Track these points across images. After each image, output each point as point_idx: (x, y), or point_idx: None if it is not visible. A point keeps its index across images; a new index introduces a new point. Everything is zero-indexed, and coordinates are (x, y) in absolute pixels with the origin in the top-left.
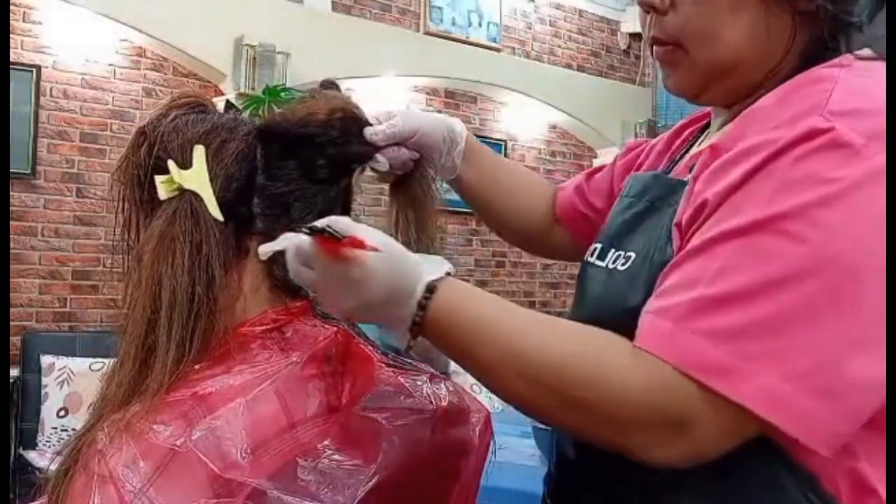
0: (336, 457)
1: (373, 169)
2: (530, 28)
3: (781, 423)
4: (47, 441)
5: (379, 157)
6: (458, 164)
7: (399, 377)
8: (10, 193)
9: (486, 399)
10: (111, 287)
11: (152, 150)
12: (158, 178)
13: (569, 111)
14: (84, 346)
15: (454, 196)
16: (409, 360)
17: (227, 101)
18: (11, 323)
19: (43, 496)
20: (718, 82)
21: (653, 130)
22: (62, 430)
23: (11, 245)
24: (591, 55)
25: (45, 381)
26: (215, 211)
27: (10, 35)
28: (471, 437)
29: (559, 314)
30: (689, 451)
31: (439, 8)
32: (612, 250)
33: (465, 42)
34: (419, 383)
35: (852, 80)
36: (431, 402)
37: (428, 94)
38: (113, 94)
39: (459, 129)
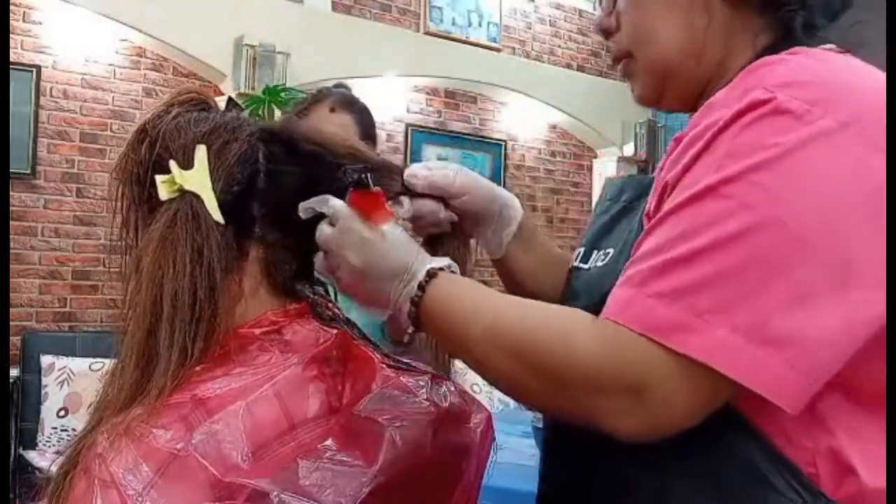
0: (337, 458)
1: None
2: (530, 28)
3: (733, 373)
4: (47, 441)
5: (404, 200)
6: (505, 243)
7: (400, 378)
8: (10, 193)
9: (486, 399)
10: (111, 287)
11: (153, 149)
12: (159, 178)
13: (569, 111)
14: (84, 346)
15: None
16: (410, 362)
17: (230, 99)
18: (11, 323)
19: (43, 498)
20: (668, 83)
21: (653, 130)
22: (62, 430)
23: (11, 245)
24: (591, 55)
25: (45, 381)
26: (216, 213)
27: (10, 35)
28: (472, 439)
29: None
30: (650, 420)
31: (439, 8)
32: (595, 252)
33: (465, 42)
34: (421, 384)
35: (803, 61)
36: (433, 404)
37: (428, 94)
38: (113, 94)
39: (515, 208)
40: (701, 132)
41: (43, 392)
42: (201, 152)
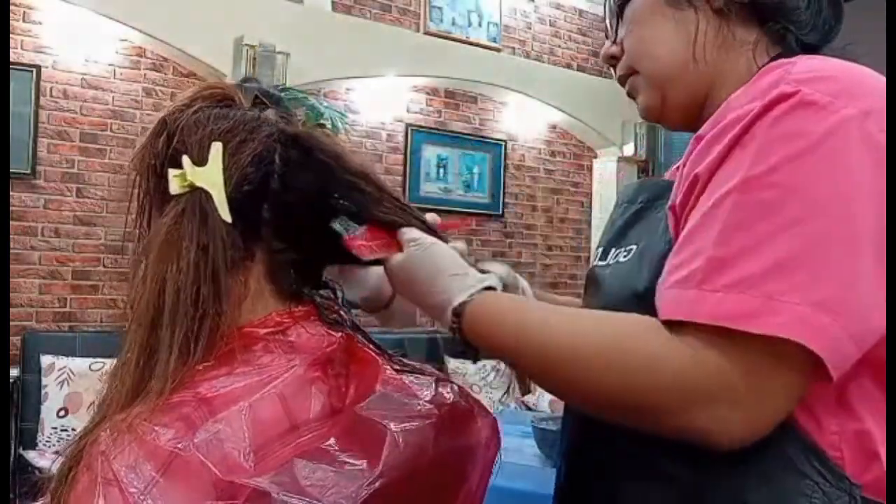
0: (339, 459)
1: None
2: (530, 28)
3: (811, 342)
4: (47, 441)
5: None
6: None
7: (404, 380)
8: (10, 193)
9: (486, 399)
10: (111, 287)
11: (170, 142)
12: (171, 172)
13: (569, 111)
14: (84, 346)
15: (453, 196)
16: (414, 364)
17: (257, 95)
18: (11, 323)
19: (45, 496)
20: (669, 93)
21: (653, 130)
22: (62, 430)
23: (11, 245)
24: (591, 55)
25: (45, 381)
26: (224, 212)
27: (10, 35)
28: (477, 442)
29: None
30: (749, 420)
31: (439, 8)
32: (613, 250)
33: (465, 42)
34: (425, 386)
35: (819, 60)
36: (436, 406)
37: (428, 94)
38: (113, 94)
39: (522, 285)
40: (727, 126)
41: (43, 392)
42: (216, 149)
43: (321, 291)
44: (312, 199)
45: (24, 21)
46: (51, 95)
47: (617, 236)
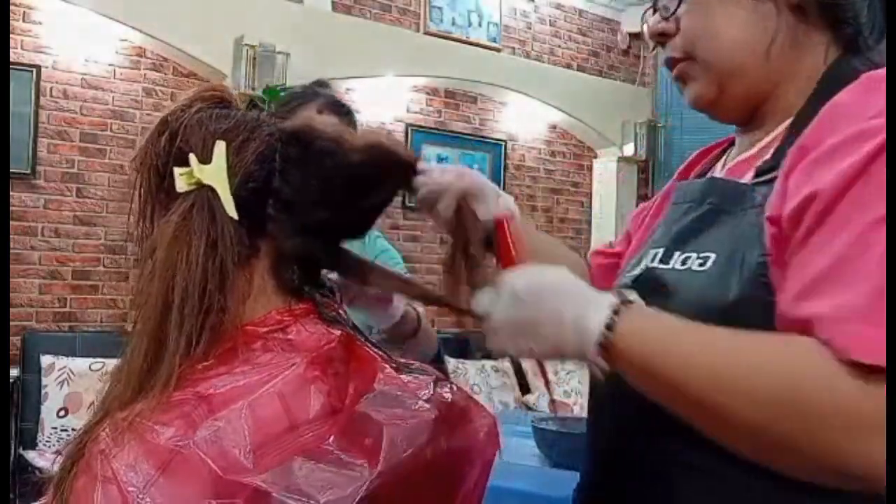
0: (338, 458)
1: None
2: (530, 28)
3: None
4: (47, 441)
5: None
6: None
7: (403, 380)
8: (10, 193)
9: (486, 399)
10: (111, 287)
11: (174, 141)
12: (178, 170)
13: (569, 111)
14: (84, 346)
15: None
16: (413, 364)
17: (251, 99)
18: (11, 323)
19: (46, 493)
20: (731, 84)
21: (653, 130)
22: (62, 430)
23: (11, 245)
24: (591, 55)
25: (45, 381)
26: (231, 208)
27: (10, 35)
28: (476, 442)
29: None
30: None
31: (439, 8)
32: (677, 253)
33: (465, 42)
34: (424, 386)
35: None
36: (435, 405)
37: (428, 94)
38: (113, 94)
39: (512, 208)
40: (851, 140)
41: (43, 392)
42: (220, 148)
43: (321, 289)
44: (317, 191)
45: (24, 21)
46: (51, 95)
47: (683, 238)
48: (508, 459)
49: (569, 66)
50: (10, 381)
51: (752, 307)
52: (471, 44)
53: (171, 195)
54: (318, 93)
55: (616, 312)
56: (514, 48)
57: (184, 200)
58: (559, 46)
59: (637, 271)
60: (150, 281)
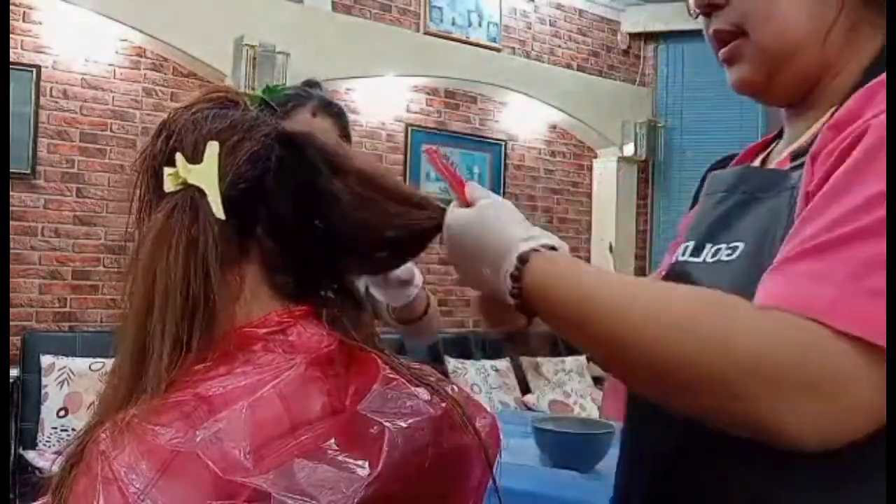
0: (338, 458)
1: None
2: (530, 28)
3: None
4: (47, 441)
5: None
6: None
7: (404, 381)
8: (10, 193)
9: (486, 400)
10: (111, 287)
11: (169, 142)
12: (167, 170)
13: (569, 111)
14: (84, 346)
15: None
16: (413, 364)
17: (262, 100)
18: (11, 323)
19: (46, 495)
20: (784, 67)
21: (653, 130)
22: (62, 430)
23: (11, 245)
24: (591, 55)
25: (45, 381)
26: (217, 208)
27: (10, 35)
28: (476, 444)
29: None
30: (837, 425)
31: (439, 8)
32: (709, 245)
33: (465, 42)
34: (424, 388)
35: None
36: (435, 406)
37: (428, 94)
38: (113, 94)
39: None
40: (876, 125)
41: (43, 392)
42: (212, 148)
43: (321, 291)
44: (307, 199)
45: (24, 21)
46: (51, 95)
47: (712, 230)
48: (508, 459)
49: (569, 66)
50: (10, 381)
51: None
52: (471, 44)
53: (162, 195)
54: (310, 93)
55: (523, 261)
56: (514, 48)
57: (168, 201)
58: (559, 46)
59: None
60: (134, 282)
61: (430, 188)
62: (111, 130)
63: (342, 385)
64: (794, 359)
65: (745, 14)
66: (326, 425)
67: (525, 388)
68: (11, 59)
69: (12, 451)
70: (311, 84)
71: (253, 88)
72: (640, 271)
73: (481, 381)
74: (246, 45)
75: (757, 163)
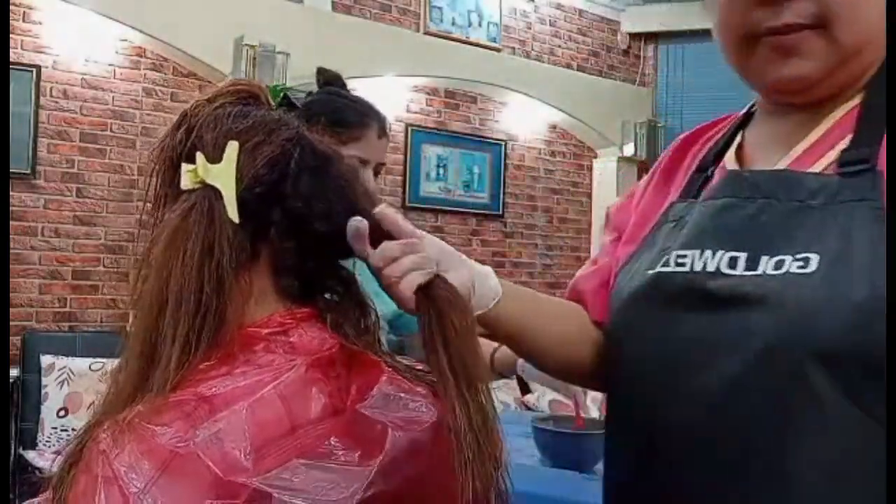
0: (339, 459)
1: None
2: (530, 28)
3: None
4: (47, 441)
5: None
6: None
7: (405, 382)
8: (10, 193)
9: None
10: (111, 287)
11: (188, 136)
12: (184, 167)
13: (569, 111)
14: (84, 346)
15: (454, 197)
16: (415, 366)
17: (286, 96)
18: (11, 323)
19: (47, 492)
20: (842, 67)
21: (653, 130)
22: (62, 430)
23: (11, 245)
24: (591, 55)
25: (45, 381)
26: (233, 211)
27: (10, 35)
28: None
29: None
30: None
31: (439, 8)
32: (766, 257)
33: (465, 42)
34: (425, 388)
35: None
36: (437, 407)
37: (428, 94)
38: (113, 94)
39: (488, 292)
40: None
41: (43, 392)
42: (232, 148)
43: (326, 294)
44: (322, 207)
45: (24, 21)
46: (51, 95)
47: (765, 241)
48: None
49: (569, 66)
50: (10, 381)
51: (881, 303)
52: (471, 44)
53: (180, 191)
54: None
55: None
56: (514, 48)
57: (185, 199)
58: (559, 46)
59: (678, 280)
60: (146, 281)
61: (430, 188)
62: (111, 130)
63: (343, 386)
64: None
65: (832, 8)
66: (327, 425)
67: (525, 388)
68: (11, 59)
69: (12, 451)
70: (333, 78)
71: None
72: None
73: None
74: (246, 45)
75: (731, 159)
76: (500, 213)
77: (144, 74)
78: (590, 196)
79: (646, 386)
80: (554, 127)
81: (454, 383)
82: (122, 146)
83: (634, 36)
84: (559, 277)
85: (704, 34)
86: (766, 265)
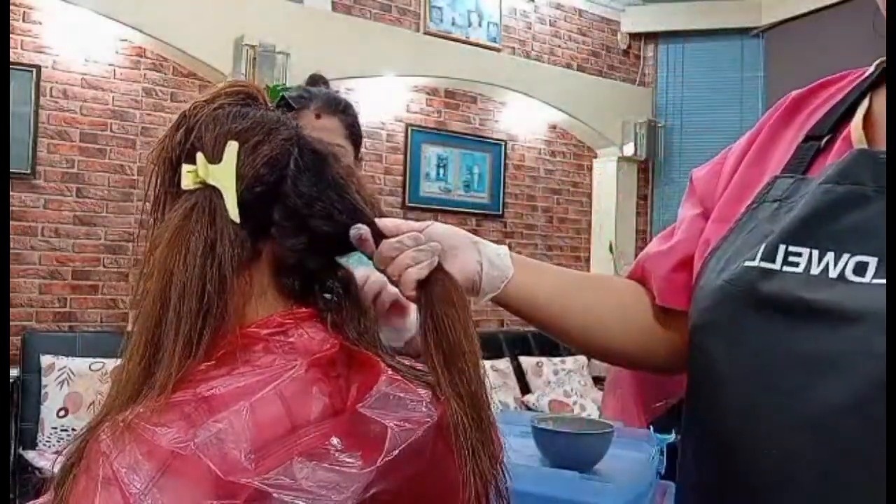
0: (339, 459)
1: None
2: (530, 28)
3: None
4: (47, 441)
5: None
6: (489, 298)
7: (405, 383)
8: (10, 193)
9: None
10: (111, 287)
11: (188, 137)
12: (185, 167)
13: (569, 111)
14: (84, 346)
15: (453, 196)
16: (415, 366)
17: (282, 97)
18: (11, 323)
19: (48, 492)
20: None
21: (653, 130)
22: (62, 430)
23: (11, 245)
24: (591, 55)
25: (45, 381)
26: (233, 211)
27: (10, 35)
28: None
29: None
30: None
31: (439, 8)
32: (848, 257)
33: (465, 42)
34: (426, 388)
35: None
36: (437, 408)
37: (428, 94)
38: (113, 94)
39: (500, 273)
40: None
41: (43, 392)
42: (232, 148)
43: (325, 294)
44: (323, 207)
45: (24, 21)
46: (51, 95)
47: (873, 240)
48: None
49: (569, 66)
50: (10, 381)
51: None
52: (471, 44)
53: (180, 191)
54: (312, 94)
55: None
56: (514, 48)
57: (186, 199)
58: (559, 46)
59: (789, 283)
60: (148, 280)
61: (431, 188)
62: (111, 130)
63: (343, 386)
64: None
65: None
66: (328, 426)
67: (525, 388)
68: (11, 59)
69: (12, 451)
70: (316, 81)
71: None
72: None
73: None
74: (246, 45)
75: (858, 131)
76: (500, 213)
77: (144, 74)
78: (590, 196)
79: (734, 398)
80: (554, 127)
81: (448, 379)
82: (122, 146)
83: (634, 36)
84: None
85: (704, 34)
86: (866, 272)
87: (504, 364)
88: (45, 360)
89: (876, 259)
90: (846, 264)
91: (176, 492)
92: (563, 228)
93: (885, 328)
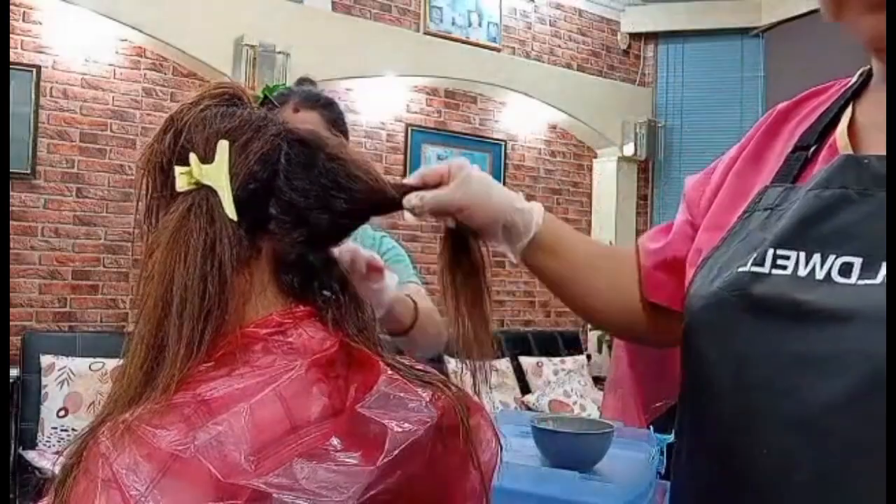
0: (339, 459)
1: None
2: (530, 28)
3: None
4: (47, 441)
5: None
6: (519, 253)
7: (406, 382)
8: (10, 193)
9: (486, 400)
10: (111, 287)
11: (177, 139)
12: (178, 170)
13: (569, 111)
14: (84, 346)
15: None
16: (415, 365)
17: (265, 96)
18: (11, 323)
19: (47, 496)
20: None
21: (653, 130)
22: (62, 430)
23: (11, 245)
24: (591, 55)
25: (45, 381)
26: (230, 209)
27: (10, 35)
28: (478, 442)
29: (559, 314)
30: None
31: (439, 8)
32: (879, 262)
33: (465, 42)
34: (425, 388)
35: None
36: (437, 406)
37: (428, 94)
38: (113, 94)
39: (526, 221)
40: None
41: (43, 392)
42: (223, 147)
43: (323, 292)
44: (318, 197)
45: (24, 21)
46: (51, 95)
47: (879, 243)
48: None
49: (569, 66)
50: (10, 381)
51: None
52: (471, 44)
53: (174, 194)
54: (292, 90)
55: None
56: (514, 48)
57: (182, 201)
58: (559, 46)
59: (777, 285)
60: (149, 283)
61: None
62: (111, 130)
63: (343, 386)
64: None
65: None
66: (328, 426)
67: (525, 388)
68: (11, 59)
69: (12, 451)
70: (302, 82)
71: (253, 88)
72: None
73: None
74: (246, 45)
75: (843, 138)
76: None
77: (144, 74)
78: (590, 196)
79: (728, 399)
80: (554, 127)
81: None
82: (122, 146)
83: (634, 36)
84: None
85: (704, 34)
86: (853, 273)
87: (504, 364)
88: (45, 360)
89: (860, 259)
90: (832, 265)
91: (176, 494)
92: None
93: (877, 328)
